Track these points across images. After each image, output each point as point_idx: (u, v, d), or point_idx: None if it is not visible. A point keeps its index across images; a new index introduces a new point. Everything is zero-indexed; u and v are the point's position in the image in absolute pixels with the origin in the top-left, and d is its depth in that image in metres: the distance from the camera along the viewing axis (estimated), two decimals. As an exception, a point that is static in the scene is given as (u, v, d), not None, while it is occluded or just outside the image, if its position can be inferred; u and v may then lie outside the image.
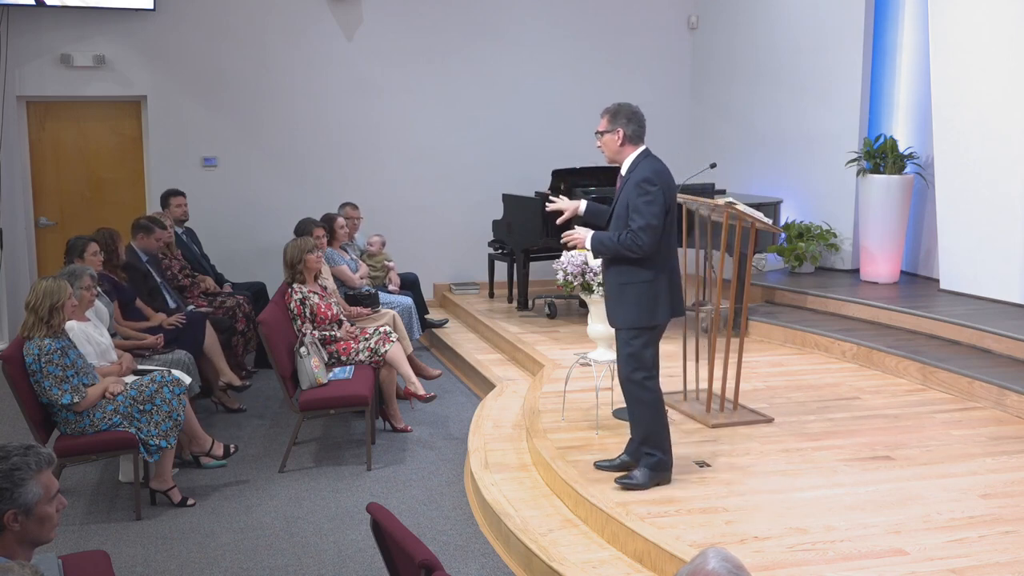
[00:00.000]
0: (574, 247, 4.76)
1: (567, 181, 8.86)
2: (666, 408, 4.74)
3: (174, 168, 9.20)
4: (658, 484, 4.63)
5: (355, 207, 8.47)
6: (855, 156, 8.62)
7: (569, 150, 9.82)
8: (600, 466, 4.89)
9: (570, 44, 10.21)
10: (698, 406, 5.82)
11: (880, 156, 8.39)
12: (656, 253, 4.47)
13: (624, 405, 5.83)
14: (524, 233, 8.78)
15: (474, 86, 10.00)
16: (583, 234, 4.62)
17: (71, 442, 4.97)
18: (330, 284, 7.03)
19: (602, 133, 4.59)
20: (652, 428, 4.64)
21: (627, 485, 4.62)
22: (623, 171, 4.61)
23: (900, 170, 8.38)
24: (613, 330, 5.48)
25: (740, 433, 5.45)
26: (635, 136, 4.56)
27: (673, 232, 4.59)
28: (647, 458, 4.65)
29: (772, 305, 8.41)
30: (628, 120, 4.54)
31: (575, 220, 4.91)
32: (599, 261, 5.37)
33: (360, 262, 8.09)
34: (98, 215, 8.99)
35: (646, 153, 4.57)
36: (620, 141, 4.55)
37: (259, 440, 6.32)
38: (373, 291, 7.76)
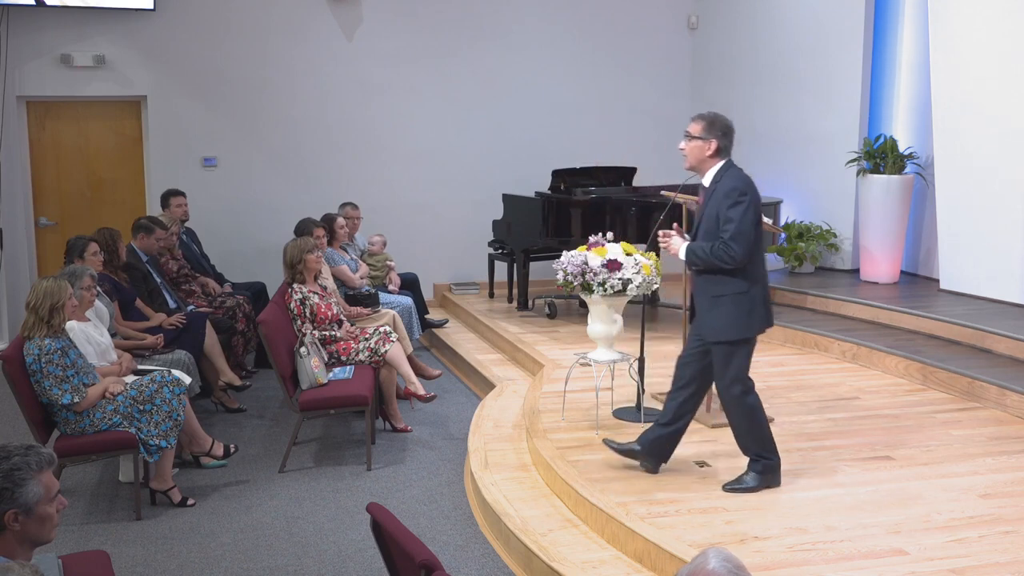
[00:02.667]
0: (666, 249, 4.74)
1: (567, 181, 8.86)
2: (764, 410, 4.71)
3: (174, 168, 9.20)
4: (768, 487, 4.63)
5: (355, 207, 8.47)
6: (855, 156, 8.62)
7: (569, 150, 9.83)
8: (608, 444, 4.91)
9: (570, 44, 10.21)
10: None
11: (880, 156, 8.39)
12: (749, 263, 4.44)
13: (624, 405, 5.87)
14: (524, 233, 8.78)
15: (474, 86, 10.00)
16: (678, 243, 4.62)
17: (71, 442, 4.96)
18: (330, 284, 7.03)
19: (692, 137, 4.55)
20: (756, 435, 4.63)
21: (736, 489, 4.61)
22: (706, 182, 4.59)
23: (900, 170, 8.38)
24: (613, 330, 5.53)
25: (740, 433, 5.44)
26: (724, 150, 4.56)
27: (762, 243, 4.57)
28: (755, 463, 4.65)
29: (772, 305, 8.40)
30: (723, 133, 4.54)
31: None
32: (600, 261, 5.39)
33: (360, 262, 8.09)
34: (98, 215, 9.00)
35: (730, 164, 4.57)
36: (711, 151, 4.53)
37: (259, 440, 6.32)
38: (373, 291, 7.76)
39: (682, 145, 4.62)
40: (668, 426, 4.76)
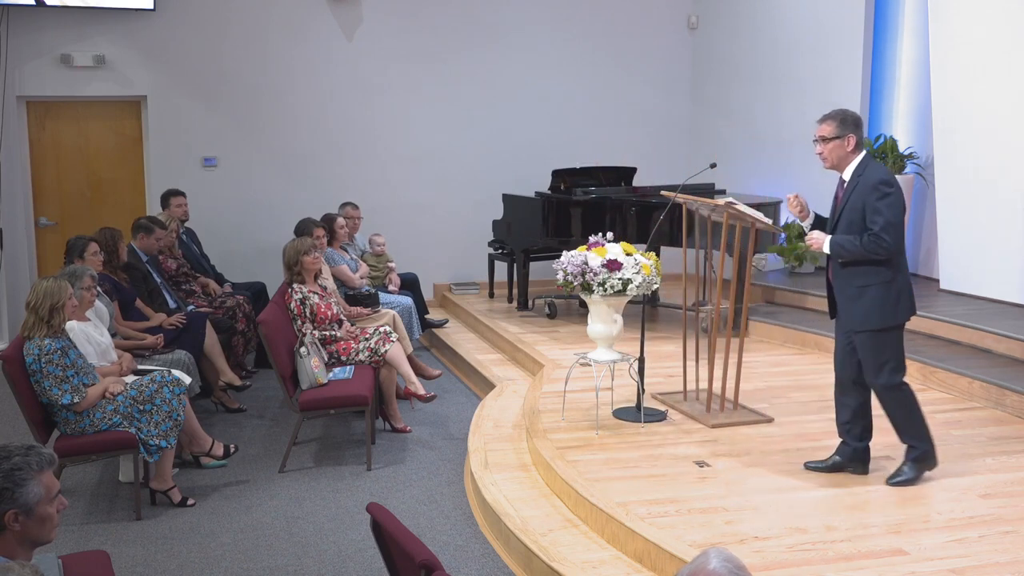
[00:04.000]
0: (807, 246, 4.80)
1: (567, 181, 8.86)
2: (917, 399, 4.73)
3: (174, 168, 9.20)
4: (927, 470, 4.71)
5: (355, 207, 8.47)
6: (855, 156, 8.61)
7: (569, 150, 9.83)
8: (810, 466, 4.88)
9: (570, 44, 10.21)
10: (698, 406, 5.82)
11: (880, 156, 8.39)
12: (897, 252, 4.50)
13: (624, 405, 5.87)
14: (524, 233, 8.78)
15: (474, 86, 10.00)
16: (820, 238, 4.65)
17: (71, 442, 4.96)
18: (330, 284, 7.03)
19: (827, 139, 4.58)
20: (910, 422, 4.68)
21: (899, 482, 4.66)
22: (846, 176, 4.62)
23: (900, 170, 8.37)
24: (613, 330, 5.52)
25: (740, 433, 5.45)
26: (860, 143, 4.60)
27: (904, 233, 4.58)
28: (912, 451, 4.70)
29: (772, 305, 8.42)
30: (856, 126, 4.59)
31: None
32: (600, 261, 5.39)
33: (360, 262, 8.09)
34: (98, 215, 9.00)
35: (869, 157, 4.61)
36: (851, 147, 4.57)
37: (259, 440, 6.32)
38: (373, 291, 7.76)
39: (819, 149, 4.64)
40: (862, 441, 4.80)
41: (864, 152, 4.61)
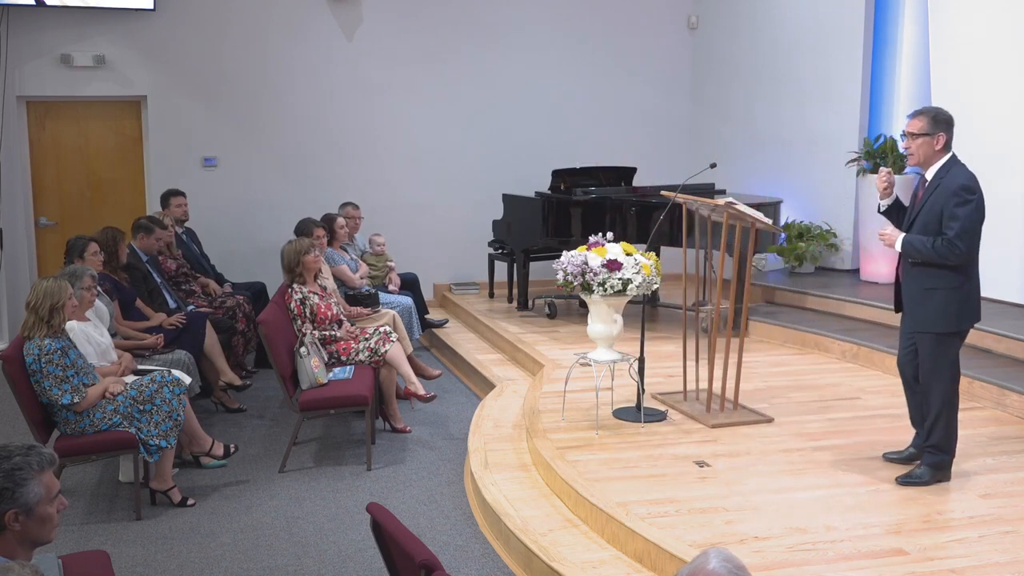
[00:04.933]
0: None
1: (567, 181, 8.86)
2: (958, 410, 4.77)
3: (174, 168, 9.20)
4: (938, 481, 4.71)
5: (356, 207, 8.47)
6: (855, 156, 8.62)
7: (569, 150, 9.83)
8: (888, 457, 4.98)
9: (570, 44, 10.21)
10: (698, 406, 5.82)
11: (880, 156, 8.39)
12: (969, 261, 4.50)
13: (624, 405, 5.87)
14: (524, 233, 8.78)
15: (474, 86, 10.00)
16: (894, 234, 4.65)
17: (71, 442, 4.96)
18: (330, 284, 7.03)
19: (917, 135, 4.55)
20: (946, 431, 4.69)
21: (910, 483, 4.68)
22: (928, 175, 4.60)
23: (900, 170, 8.37)
24: (613, 330, 5.52)
25: (740, 433, 5.45)
26: (949, 143, 4.56)
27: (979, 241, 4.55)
28: (931, 456, 4.72)
29: (772, 305, 8.41)
30: (949, 125, 4.55)
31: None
32: (600, 261, 5.38)
33: (360, 262, 8.09)
34: (98, 215, 9.00)
35: (955, 159, 4.56)
36: (940, 146, 4.54)
37: (259, 440, 6.32)
38: (373, 291, 7.76)
39: (906, 144, 4.63)
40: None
41: (951, 153, 4.56)
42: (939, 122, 4.53)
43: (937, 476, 4.71)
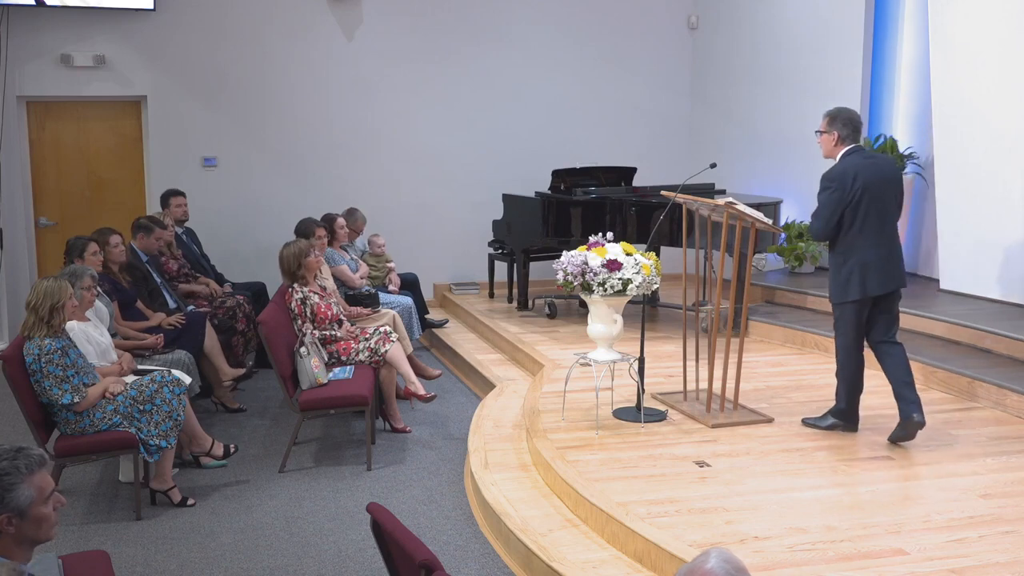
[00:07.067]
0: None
1: (567, 181, 8.86)
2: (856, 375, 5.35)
3: (174, 168, 9.20)
4: (833, 429, 5.43)
5: (361, 218, 8.53)
6: (855, 156, 8.61)
7: (569, 150, 9.83)
8: (807, 422, 5.56)
9: (570, 44, 10.21)
10: (698, 406, 5.82)
11: (880, 156, 8.38)
12: (840, 240, 5.13)
13: (624, 405, 5.87)
14: (524, 233, 8.78)
15: (474, 86, 10.01)
16: None
17: (71, 442, 4.97)
18: (330, 284, 7.03)
19: (820, 132, 5.26)
20: (841, 381, 5.38)
21: (809, 423, 5.50)
22: None
23: (900, 170, 8.37)
24: (613, 330, 5.53)
25: (740, 433, 5.45)
26: (847, 139, 5.18)
27: (867, 222, 5.08)
28: (835, 406, 5.47)
29: (772, 305, 8.41)
30: (843, 124, 5.17)
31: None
32: (600, 261, 5.38)
33: (360, 262, 8.10)
34: (98, 215, 9.00)
35: (848, 152, 5.17)
36: (836, 141, 5.20)
37: (259, 440, 6.33)
38: (373, 291, 7.76)
39: (818, 140, 5.29)
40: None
41: (846, 148, 5.17)
42: (835, 120, 5.19)
43: (834, 425, 5.40)
